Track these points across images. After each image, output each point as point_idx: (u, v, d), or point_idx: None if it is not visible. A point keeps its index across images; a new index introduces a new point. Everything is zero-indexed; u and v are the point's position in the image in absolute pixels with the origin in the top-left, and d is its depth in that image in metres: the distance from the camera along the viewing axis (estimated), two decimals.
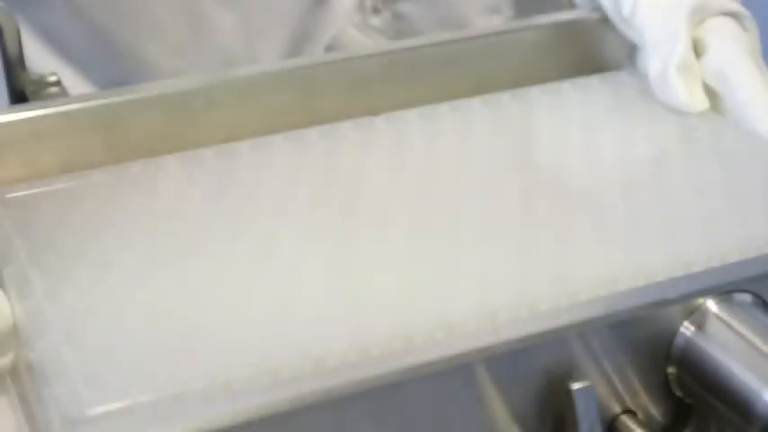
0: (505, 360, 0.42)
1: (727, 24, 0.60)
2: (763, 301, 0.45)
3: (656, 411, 0.45)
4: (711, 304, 0.45)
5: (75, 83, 0.68)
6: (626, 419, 0.45)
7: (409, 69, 0.61)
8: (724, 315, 0.44)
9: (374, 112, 0.59)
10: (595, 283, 0.45)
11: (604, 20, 0.64)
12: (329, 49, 0.75)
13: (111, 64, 0.73)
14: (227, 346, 0.42)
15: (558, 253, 0.47)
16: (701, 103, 0.58)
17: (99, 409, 0.40)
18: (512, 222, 0.49)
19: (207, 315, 0.44)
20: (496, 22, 0.78)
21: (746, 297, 0.45)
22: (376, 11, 0.78)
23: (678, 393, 0.45)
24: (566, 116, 0.58)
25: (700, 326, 0.44)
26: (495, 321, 0.43)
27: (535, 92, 0.60)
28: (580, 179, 0.53)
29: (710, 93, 0.59)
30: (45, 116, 0.55)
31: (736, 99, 0.57)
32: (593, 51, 0.65)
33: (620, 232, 0.49)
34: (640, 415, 0.45)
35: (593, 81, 0.62)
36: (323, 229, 0.49)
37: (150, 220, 0.50)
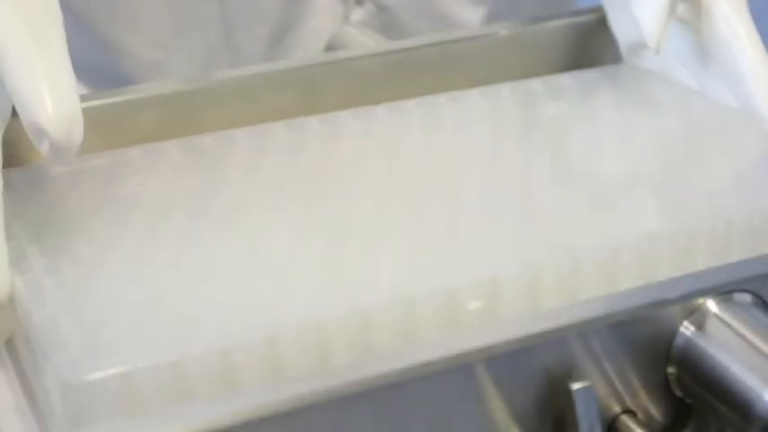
0: (505, 360, 0.42)
1: None
2: (763, 301, 0.45)
3: (656, 411, 0.45)
4: (711, 304, 0.45)
5: None
6: (626, 419, 0.45)
7: (409, 69, 0.61)
8: (724, 315, 0.44)
9: None
10: (599, 252, 0.45)
11: (604, 20, 0.64)
12: (329, 49, 0.75)
13: (93, 56, 0.73)
14: (227, 316, 0.42)
15: (560, 226, 0.47)
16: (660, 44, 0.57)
17: (98, 375, 0.39)
18: (513, 198, 0.50)
19: (206, 287, 0.44)
20: (480, 15, 0.78)
21: (746, 297, 0.45)
22: (359, 2, 0.78)
23: (678, 393, 0.45)
24: (566, 106, 0.59)
25: (700, 326, 0.44)
26: (498, 290, 0.44)
27: (535, 84, 0.61)
28: (580, 166, 0.53)
29: (707, 54, 0.58)
30: None
31: (738, 66, 0.57)
32: (594, 52, 0.65)
33: (622, 211, 0.49)
34: (640, 415, 0.45)
35: (594, 73, 0.62)
36: (322, 209, 0.49)
37: (149, 201, 0.50)
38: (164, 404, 0.40)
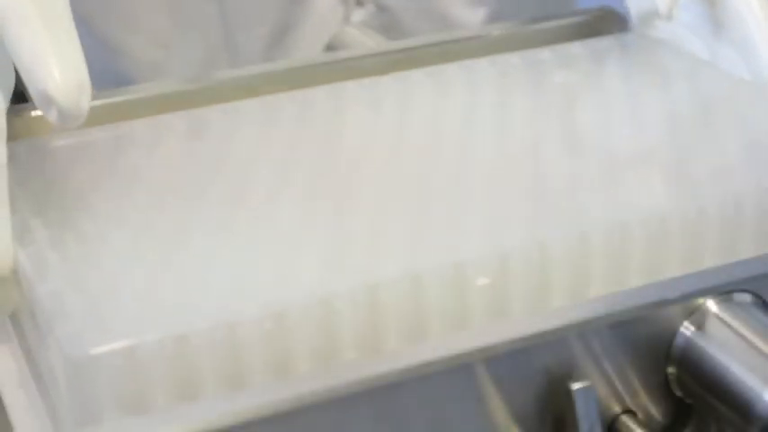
0: (505, 360, 0.42)
1: None
2: (763, 301, 0.45)
3: (656, 411, 0.45)
4: (711, 304, 0.45)
5: None
6: (626, 419, 0.45)
7: (409, 69, 0.61)
8: (724, 315, 0.44)
9: None
10: (608, 224, 0.45)
11: (606, 19, 0.64)
12: (329, 49, 0.75)
13: (92, 56, 0.73)
14: (233, 290, 0.42)
15: (569, 201, 0.47)
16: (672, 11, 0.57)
17: (102, 349, 0.39)
18: (521, 171, 0.49)
19: (211, 262, 0.44)
20: (481, 15, 0.78)
21: (746, 297, 0.45)
22: (359, 3, 0.78)
23: (678, 393, 0.45)
24: (575, 75, 0.58)
25: (700, 326, 0.44)
26: (506, 265, 0.43)
27: (545, 52, 0.60)
28: (589, 138, 0.52)
29: (719, 24, 0.58)
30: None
31: (750, 36, 0.56)
32: None
33: (632, 179, 0.48)
34: (640, 415, 0.45)
35: (604, 42, 0.62)
36: (329, 182, 0.49)
37: (153, 174, 0.50)
38: (168, 379, 0.40)
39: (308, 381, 0.41)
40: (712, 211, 0.46)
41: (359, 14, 0.79)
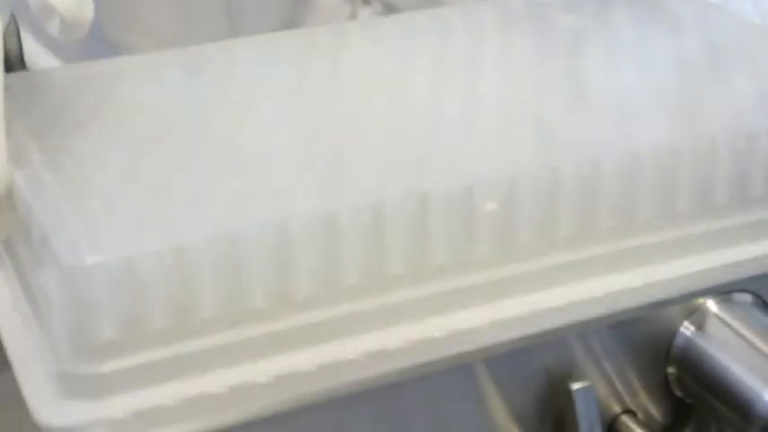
0: (505, 360, 0.43)
1: None
2: (763, 301, 0.45)
3: (656, 411, 0.45)
4: (711, 304, 0.45)
5: None
6: (626, 419, 0.45)
7: None
8: (724, 315, 0.44)
9: None
10: (617, 152, 0.44)
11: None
12: None
13: (94, 55, 0.73)
14: (234, 204, 0.41)
15: (580, 127, 0.46)
16: None
17: (99, 258, 0.38)
18: (532, 101, 0.49)
19: (213, 178, 0.43)
20: None
21: (746, 297, 0.45)
22: (366, 2, 0.78)
23: (678, 393, 0.45)
24: (582, 16, 0.58)
25: (700, 326, 0.45)
26: (515, 188, 0.42)
27: None
28: (598, 77, 0.51)
29: None
30: None
31: None
32: None
33: (642, 121, 0.48)
34: (640, 415, 0.45)
35: None
36: (336, 106, 0.48)
37: (152, 104, 0.49)
38: (166, 293, 0.39)
39: (308, 381, 0.41)
40: (723, 145, 0.45)
41: (365, 13, 0.79)
